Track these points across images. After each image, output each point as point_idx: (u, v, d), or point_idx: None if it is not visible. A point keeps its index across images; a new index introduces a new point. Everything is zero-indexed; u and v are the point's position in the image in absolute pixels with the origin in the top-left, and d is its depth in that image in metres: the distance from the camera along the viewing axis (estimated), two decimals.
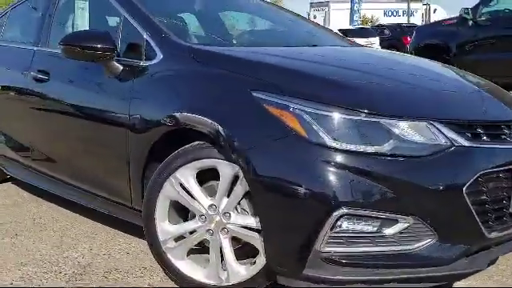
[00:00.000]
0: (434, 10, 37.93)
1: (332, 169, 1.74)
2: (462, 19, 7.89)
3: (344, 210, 1.72)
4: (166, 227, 2.17)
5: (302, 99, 1.84)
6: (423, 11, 37.80)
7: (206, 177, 2.14)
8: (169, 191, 2.14)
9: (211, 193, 2.12)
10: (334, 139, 1.77)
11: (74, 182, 2.83)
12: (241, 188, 2.01)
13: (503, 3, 7.91)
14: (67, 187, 2.91)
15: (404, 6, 37.59)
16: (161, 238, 2.17)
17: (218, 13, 3.28)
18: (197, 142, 2.09)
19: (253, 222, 2.02)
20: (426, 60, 2.82)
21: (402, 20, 33.45)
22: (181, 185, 2.12)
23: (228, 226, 2.06)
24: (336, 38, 3.27)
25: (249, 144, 1.87)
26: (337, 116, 1.80)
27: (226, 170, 2.02)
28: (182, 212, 2.24)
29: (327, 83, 1.95)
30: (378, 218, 1.75)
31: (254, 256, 2.08)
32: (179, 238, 2.18)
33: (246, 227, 2.04)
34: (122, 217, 2.57)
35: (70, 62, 2.78)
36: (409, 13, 30.65)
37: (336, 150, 1.76)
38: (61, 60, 2.89)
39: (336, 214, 1.72)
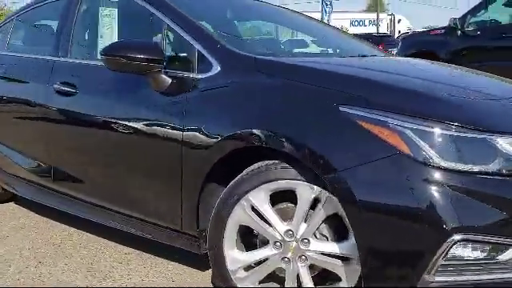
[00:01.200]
0: (399, 21, 38.69)
1: (442, 190, 1.60)
2: (451, 29, 7.96)
3: (458, 236, 1.58)
4: (235, 255, 1.98)
5: (399, 114, 1.70)
6: (388, 21, 38.49)
7: (275, 199, 1.97)
8: (239, 216, 1.95)
9: (284, 216, 1.94)
10: (441, 157, 1.63)
11: (107, 204, 2.59)
12: (322, 212, 1.85)
13: (490, 14, 8.03)
14: (96, 209, 2.67)
15: (370, 15, 38.24)
16: (230, 267, 1.98)
17: (257, 22, 3.12)
18: (271, 162, 1.92)
19: (336, 248, 1.86)
20: (477, 71, 2.73)
21: (369, 30, 33.93)
22: (252, 208, 1.94)
23: (307, 253, 1.89)
24: (371, 48, 3.15)
25: (342, 163, 1.70)
26: (441, 132, 1.66)
27: (306, 192, 1.85)
28: (243, 238, 2.06)
29: (421, 97, 1.81)
30: (491, 243, 1.62)
31: (330, 283, 1.93)
32: (249, 266, 2.00)
33: (326, 254, 1.88)
34: (168, 242, 2.35)
35: (102, 73, 2.59)
36: (377, 23, 31.19)
37: (444, 169, 1.62)
38: (90, 72, 2.71)
39: (450, 240, 1.58)
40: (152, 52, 2.21)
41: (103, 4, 2.83)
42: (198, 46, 2.24)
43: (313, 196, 1.84)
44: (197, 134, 2.10)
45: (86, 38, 2.90)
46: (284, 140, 1.83)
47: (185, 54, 2.30)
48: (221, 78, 2.13)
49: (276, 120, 1.89)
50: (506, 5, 8.24)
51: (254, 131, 1.90)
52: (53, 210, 3.14)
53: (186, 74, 2.24)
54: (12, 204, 3.69)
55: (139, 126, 2.32)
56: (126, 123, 2.37)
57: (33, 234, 3.08)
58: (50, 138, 2.84)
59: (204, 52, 2.22)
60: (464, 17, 7.89)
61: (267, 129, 1.88)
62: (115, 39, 2.75)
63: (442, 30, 8.31)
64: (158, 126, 2.25)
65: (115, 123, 2.42)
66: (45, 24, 3.33)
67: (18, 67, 3.19)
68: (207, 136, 2.06)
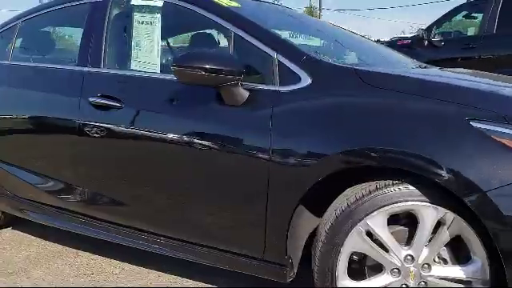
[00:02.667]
0: None
1: None
2: (418, 39, 8.15)
3: None
4: (348, 285, 1.82)
5: None
6: None
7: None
8: (355, 242, 1.79)
9: (398, 241, 1.81)
10: None
11: (166, 231, 2.33)
12: (447, 235, 1.73)
13: (454, 25, 8.32)
14: (142, 236, 2.40)
15: None
16: None
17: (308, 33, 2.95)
18: (389, 182, 1.77)
19: (459, 272, 1.75)
20: None
21: (309, 41, 34.42)
22: (366, 233, 1.79)
23: (428, 278, 1.77)
24: (407, 57, 3.09)
25: (487, 183, 1.59)
26: None
27: (431, 214, 1.73)
28: None
29: None
30: None
31: None
32: None
33: (446, 278, 1.77)
34: (246, 271, 2.13)
35: (156, 86, 2.38)
36: None
37: None
38: (139, 84, 2.44)
39: None
40: (231, 63, 2.02)
41: (142, 10, 2.57)
42: (279, 57, 2.06)
43: (438, 218, 1.72)
44: (290, 152, 1.91)
45: (124, 46, 2.61)
46: (412, 159, 1.69)
47: (261, 65, 2.12)
48: (314, 91, 1.96)
49: (397, 137, 1.75)
50: (465, 17, 8.59)
51: (372, 149, 1.75)
52: (67, 236, 2.89)
53: (264, 87, 2.06)
54: (9, 231, 3.31)
55: (209, 143, 2.10)
56: (192, 140, 2.15)
57: (55, 264, 2.76)
58: (84, 157, 2.54)
59: (287, 63, 2.04)
60: (430, 27, 8.11)
61: (388, 146, 1.74)
62: (157, 48, 2.51)
63: (409, 41, 8.51)
64: (235, 142, 2.05)
65: (178, 140, 2.18)
66: (66, 29, 3.00)
67: (32, 79, 2.85)
68: (305, 155, 1.89)
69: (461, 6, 8.46)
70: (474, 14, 8.45)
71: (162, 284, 2.26)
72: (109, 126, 2.40)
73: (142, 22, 2.58)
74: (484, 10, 7.57)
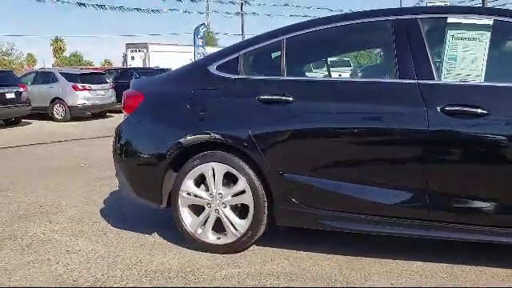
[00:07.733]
0: None
1: None
2: None
3: None
4: None
5: None
6: None
7: None
8: None
9: None
10: None
11: None
12: None
13: None
14: None
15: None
16: None
17: None
18: None
19: None
20: None
21: None
22: None
23: None
24: None
25: None
26: None
27: None
28: None
29: None
30: None
31: None
32: None
33: None
34: None
35: None
36: None
37: None
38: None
39: None
40: None
41: (463, 27, 2.84)
42: None
43: None
44: None
45: (445, 59, 2.84)
46: None
47: None
48: None
49: None
50: None
51: None
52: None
53: None
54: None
55: None
56: None
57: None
58: (435, 163, 2.74)
59: None
60: None
61: None
62: (483, 62, 2.80)
63: None
64: None
65: None
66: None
67: (341, 92, 2.97)
68: None
69: None
70: None
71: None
72: (471, 132, 2.69)
73: (464, 39, 2.85)
74: None
